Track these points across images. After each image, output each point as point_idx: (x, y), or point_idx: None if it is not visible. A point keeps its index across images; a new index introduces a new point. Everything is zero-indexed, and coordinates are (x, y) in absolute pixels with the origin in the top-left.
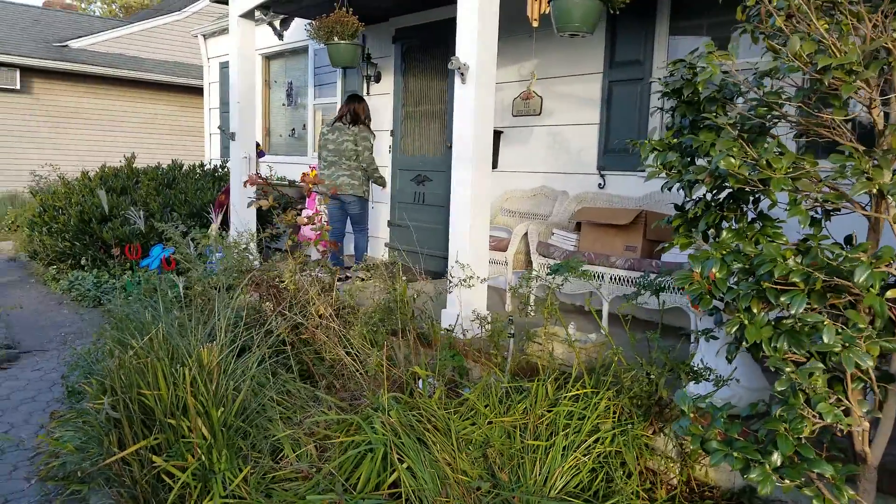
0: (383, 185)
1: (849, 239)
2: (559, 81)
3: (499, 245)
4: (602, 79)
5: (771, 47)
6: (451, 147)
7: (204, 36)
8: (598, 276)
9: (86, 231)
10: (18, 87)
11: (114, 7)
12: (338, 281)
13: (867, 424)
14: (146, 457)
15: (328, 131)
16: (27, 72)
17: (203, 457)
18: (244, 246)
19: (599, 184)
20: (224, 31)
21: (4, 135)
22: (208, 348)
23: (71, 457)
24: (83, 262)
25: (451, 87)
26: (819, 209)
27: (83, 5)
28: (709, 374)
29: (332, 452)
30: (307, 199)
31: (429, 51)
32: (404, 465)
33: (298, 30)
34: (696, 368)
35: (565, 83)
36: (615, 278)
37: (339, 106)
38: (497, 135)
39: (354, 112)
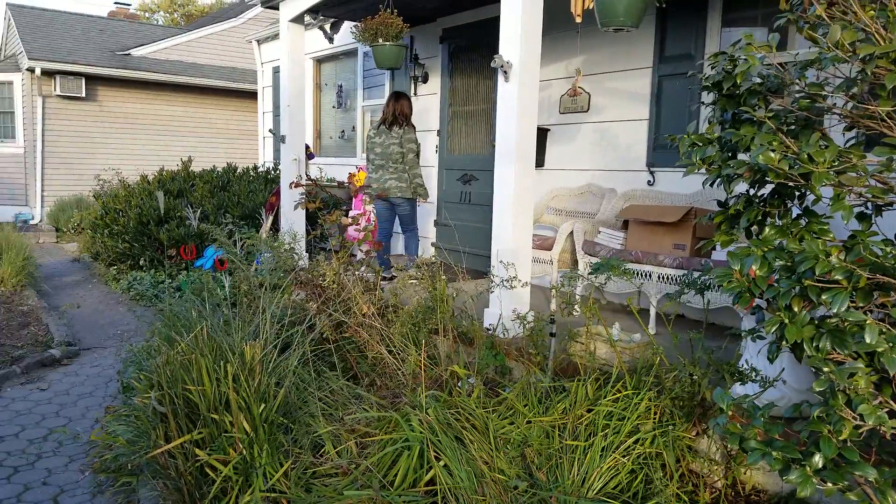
0: (425, 196)
1: None
2: (607, 77)
3: (544, 244)
4: (652, 74)
5: (810, 37)
6: (493, 146)
7: (258, 41)
8: (646, 276)
9: (144, 233)
10: (84, 94)
11: (175, 16)
12: (382, 280)
13: None
14: (190, 450)
15: (374, 134)
16: (92, 80)
17: (244, 451)
18: (289, 246)
19: (649, 181)
20: (277, 36)
21: (71, 141)
22: (251, 345)
23: (122, 450)
24: (142, 262)
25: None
26: (870, 204)
27: (147, 15)
28: (754, 375)
29: (371, 449)
30: (354, 200)
31: (476, 50)
32: (441, 463)
33: (348, 33)
34: (741, 369)
35: (614, 79)
36: (663, 277)
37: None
38: (544, 132)
39: (395, 112)
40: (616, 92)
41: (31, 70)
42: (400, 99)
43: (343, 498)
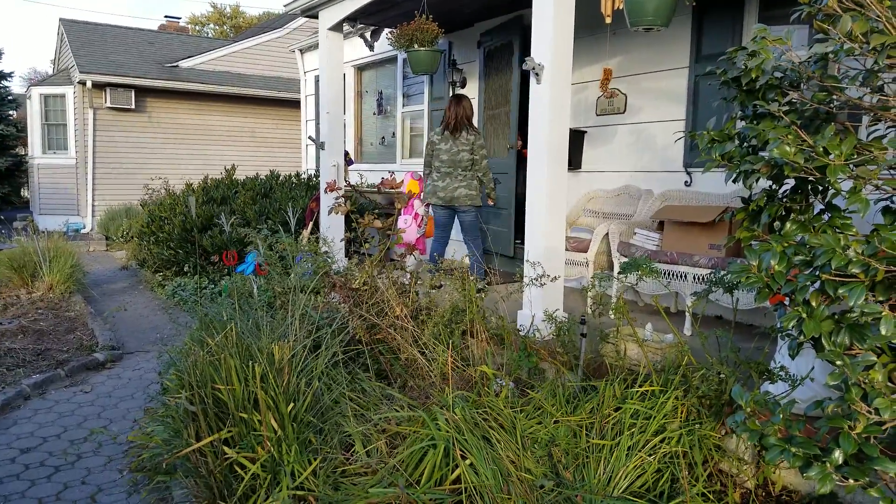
0: (496, 201)
1: None
2: (644, 78)
3: (580, 246)
4: (688, 73)
5: (820, 28)
6: (511, 148)
7: (301, 51)
8: (681, 276)
9: (188, 239)
10: (133, 106)
11: (225, 28)
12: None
13: None
14: (220, 449)
15: (439, 140)
16: (141, 91)
17: (273, 449)
18: (324, 249)
19: (686, 181)
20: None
21: (121, 151)
22: (279, 345)
23: (157, 449)
24: (186, 268)
25: (514, 89)
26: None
27: (197, 28)
28: (783, 374)
29: (399, 448)
30: (403, 207)
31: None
32: (467, 462)
33: (387, 40)
34: (770, 368)
35: (650, 79)
36: (699, 278)
37: (426, 113)
38: (581, 135)
39: (458, 116)
40: (652, 92)
41: (83, 83)
42: (461, 102)
43: (369, 496)
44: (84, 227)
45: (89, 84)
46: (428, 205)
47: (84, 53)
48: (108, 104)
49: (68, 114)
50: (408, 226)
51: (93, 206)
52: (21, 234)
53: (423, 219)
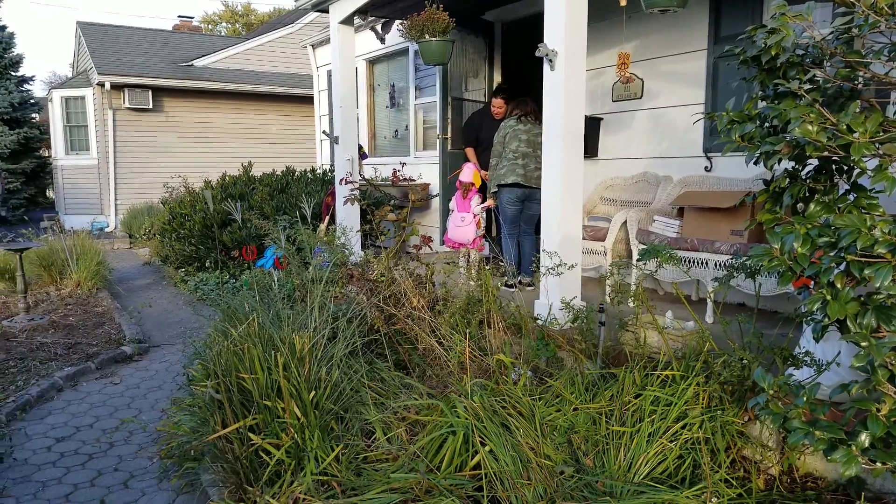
0: None
1: None
2: (661, 62)
3: (597, 234)
4: (706, 56)
5: (842, 2)
6: None
7: (312, 46)
8: (702, 263)
9: (208, 235)
10: (151, 106)
11: (237, 26)
12: (505, 287)
13: None
14: (245, 435)
15: (516, 122)
16: (158, 91)
17: (296, 436)
18: (341, 242)
19: (706, 167)
20: (330, 39)
21: (141, 151)
22: (299, 335)
23: (185, 437)
24: (207, 263)
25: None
26: None
27: (210, 27)
28: (808, 359)
29: (420, 435)
30: (455, 200)
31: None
32: (486, 448)
33: (398, 32)
34: (795, 353)
35: (667, 63)
36: (720, 265)
37: (438, 105)
38: (597, 122)
39: (532, 107)
40: (670, 76)
41: (102, 84)
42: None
43: (391, 481)
44: (108, 226)
45: (108, 85)
46: (486, 205)
47: (101, 55)
48: (127, 105)
49: (88, 115)
50: (466, 224)
51: (115, 204)
52: (48, 233)
53: (480, 219)
